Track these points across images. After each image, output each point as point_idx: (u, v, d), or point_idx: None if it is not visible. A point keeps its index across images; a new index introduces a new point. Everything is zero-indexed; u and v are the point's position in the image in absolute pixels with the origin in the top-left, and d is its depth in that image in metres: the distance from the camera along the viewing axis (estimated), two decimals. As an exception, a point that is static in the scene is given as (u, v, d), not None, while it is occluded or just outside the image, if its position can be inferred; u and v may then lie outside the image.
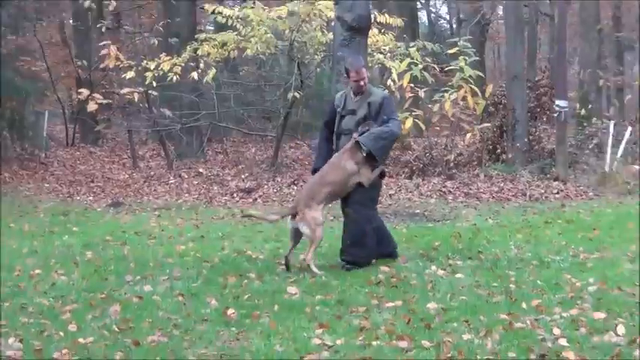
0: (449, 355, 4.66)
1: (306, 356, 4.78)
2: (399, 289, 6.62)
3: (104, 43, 17.05)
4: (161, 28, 18.56)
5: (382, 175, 7.94)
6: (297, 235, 7.66)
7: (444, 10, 40.04)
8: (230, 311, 5.98)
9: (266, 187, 15.53)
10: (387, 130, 7.56)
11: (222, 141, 21.20)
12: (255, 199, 14.59)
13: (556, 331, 5.05)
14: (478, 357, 4.63)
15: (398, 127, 7.84)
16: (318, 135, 8.44)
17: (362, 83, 7.69)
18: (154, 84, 16.31)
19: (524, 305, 5.80)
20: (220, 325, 5.64)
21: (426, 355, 4.72)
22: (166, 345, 5.12)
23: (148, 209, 13.80)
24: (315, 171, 7.98)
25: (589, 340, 4.82)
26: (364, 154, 7.51)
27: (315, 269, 7.42)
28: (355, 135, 7.59)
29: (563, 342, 4.79)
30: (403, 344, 4.90)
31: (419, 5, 34.11)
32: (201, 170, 17.79)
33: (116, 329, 5.52)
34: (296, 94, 15.94)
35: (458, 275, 7.05)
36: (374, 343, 4.97)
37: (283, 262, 7.73)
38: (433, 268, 7.38)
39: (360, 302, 6.19)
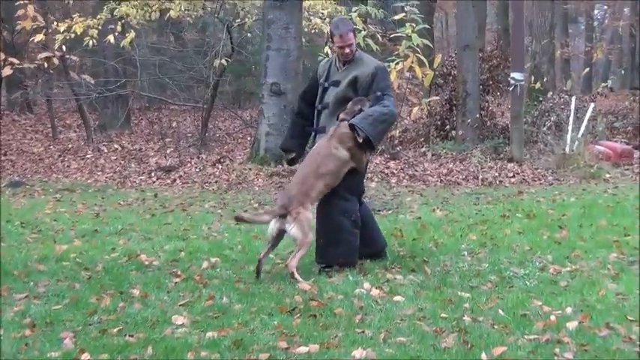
0: None
1: None
2: (318, 320, 5.00)
3: (20, 2, 15.06)
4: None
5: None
6: (278, 237, 6.21)
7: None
8: (85, 357, 4.32)
9: (189, 165, 13.79)
10: (386, 112, 6.20)
11: (159, 110, 19.46)
12: (174, 180, 12.88)
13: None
14: None
15: (394, 106, 6.42)
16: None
17: (347, 50, 6.31)
18: (63, 48, 14.39)
19: (483, 356, 4.23)
20: (60, 387, 3.96)
21: None
22: None
23: (50, 190, 12.23)
24: (283, 149, 6.93)
25: None
26: (360, 141, 6.12)
27: (299, 278, 5.99)
28: (343, 116, 6.23)
29: None
30: None
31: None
32: (116, 146, 15.96)
33: None
34: (223, 61, 14.17)
35: (397, 298, 5.45)
36: None
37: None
38: (366, 285, 5.77)
39: (262, 345, 4.55)
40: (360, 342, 4.56)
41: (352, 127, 6.12)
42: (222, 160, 13.74)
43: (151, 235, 8.07)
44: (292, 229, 6.02)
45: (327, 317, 5.06)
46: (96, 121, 18.48)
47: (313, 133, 6.64)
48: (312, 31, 15.66)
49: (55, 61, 14.71)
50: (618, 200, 9.67)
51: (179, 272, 6.32)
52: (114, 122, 17.53)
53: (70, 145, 16.67)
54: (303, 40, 15.03)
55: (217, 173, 12.92)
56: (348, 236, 6.29)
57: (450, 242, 7.34)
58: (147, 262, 6.73)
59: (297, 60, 13.31)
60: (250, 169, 12.66)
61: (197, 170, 13.36)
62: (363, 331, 4.75)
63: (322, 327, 4.86)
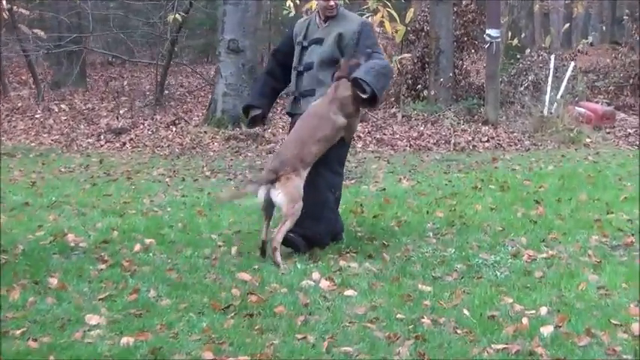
0: None
1: None
2: (254, 322, 4.29)
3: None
4: None
5: None
6: (271, 205, 5.58)
7: None
8: (-30, 371, 3.64)
9: (141, 127, 12.91)
10: (385, 65, 5.72)
11: (123, 66, 18.51)
12: (124, 144, 12.03)
13: None
14: None
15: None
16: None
17: (332, 3, 5.83)
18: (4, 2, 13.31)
19: (442, 375, 3.56)
20: None
21: None
22: None
23: (-12, 156, 11.22)
24: (248, 107, 6.15)
25: None
26: (365, 97, 5.54)
27: (278, 259, 5.37)
28: (340, 74, 5.65)
29: None
30: None
31: None
32: (63, 106, 14.98)
33: None
34: (178, 16, 13.23)
35: (348, 292, 4.76)
36: None
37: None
38: (315, 276, 5.07)
39: (184, 355, 3.88)
40: (300, 352, 3.89)
41: (355, 81, 5.50)
42: (177, 121, 12.92)
43: (86, 210, 7.31)
44: (278, 195, 5.41)
45: (265, 317, 4.37)
46: (51, 78, 17.53)
47: (294, 97, 5.98)
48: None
49: (5, 15, 13.73)
50: (599, 169, 9.02)
51: (106, 257, 5.59)
52: (68, 79, 16.54)
53: (19, 104, 15.68)
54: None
55: (171, 136, 12.11)
56: (329, 214, 5.77)
57: (414, 220, 6.65)
58: (73, 244, 5.99)
59: (255, 15, 12.52)
60: (206, 132, 11.86)
61: (149, 133, 12.53)
62: (304, 337, 4.06)
63: (258, 331, 4.17)
